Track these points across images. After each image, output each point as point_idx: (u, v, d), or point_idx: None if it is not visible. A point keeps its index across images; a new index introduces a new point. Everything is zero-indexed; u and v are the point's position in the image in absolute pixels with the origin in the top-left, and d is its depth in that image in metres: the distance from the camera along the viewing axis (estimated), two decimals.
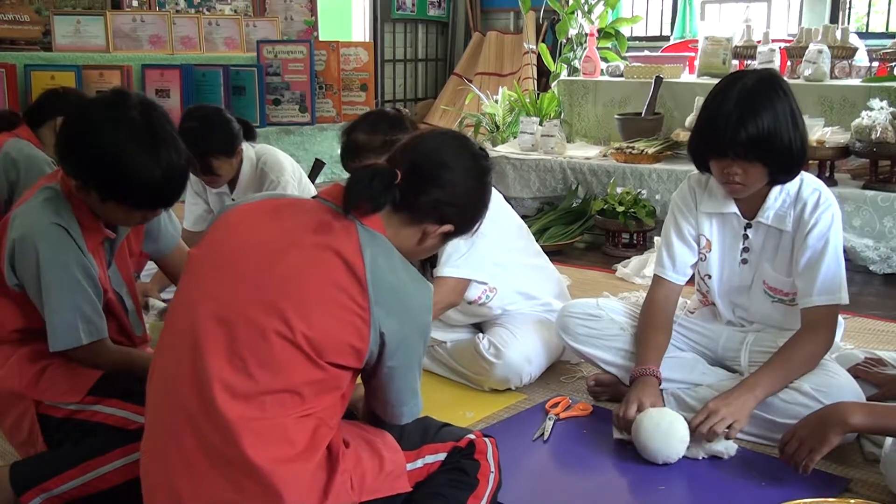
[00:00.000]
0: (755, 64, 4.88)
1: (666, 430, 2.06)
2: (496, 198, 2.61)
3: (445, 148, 1.58)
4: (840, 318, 2.29)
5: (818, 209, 2.17)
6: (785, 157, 2.08)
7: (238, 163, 3.10)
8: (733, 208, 2.26)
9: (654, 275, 2.39)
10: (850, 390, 2.10)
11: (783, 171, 2.14)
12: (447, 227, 1.58)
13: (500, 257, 2.52)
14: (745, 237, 2.27)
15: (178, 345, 1.44)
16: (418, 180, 1.53)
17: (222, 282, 1.44)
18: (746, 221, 2.26)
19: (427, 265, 2.53)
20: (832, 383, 2.10)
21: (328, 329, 1.41)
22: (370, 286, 1.42)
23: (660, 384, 2.20)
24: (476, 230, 1.67)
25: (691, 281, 2.49)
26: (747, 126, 2.02)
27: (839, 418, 1.86)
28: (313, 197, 1.57)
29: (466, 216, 1.62)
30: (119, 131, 1.71)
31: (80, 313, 1.79)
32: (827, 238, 2.16)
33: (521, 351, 2.52)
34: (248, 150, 3.16)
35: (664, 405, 2.18)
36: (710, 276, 2.34)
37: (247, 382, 1.39)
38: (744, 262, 2.29)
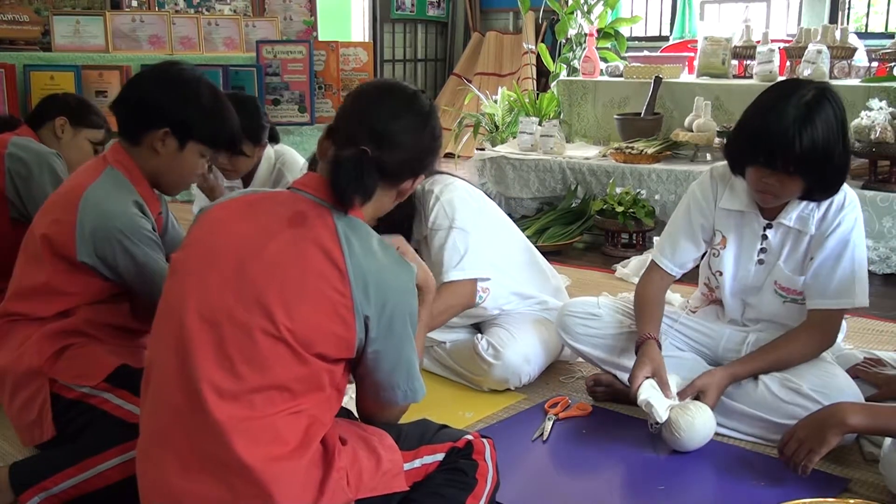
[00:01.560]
0: (754, 64, 4.88)
1: (702, 424, 2.10)
2: (478, 194, 2.62)
3: (397, 108, 1.58)
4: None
5: (843, 210, 2.16)
6: (828, 177, 2.07)
7: (258, 158, 3.12)
8: (754, 208, 2.24)
9: (652, 260, 2.39)
10: (849, 391, 2.10)
11: (820, 191, 2.12)
12: (420, 178, 1.65)
13: (492, 256, 2.52)
14: (764, 237, 2.25)
15: (166, 348, 1.45)
16: (386, 150, 1.54)
17: (205, 283, 1.44)
18: (767, 222, 2.24)
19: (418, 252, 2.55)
20: (832, 384, 2.11)
21: (313, 321, 1.42)
22: (350, 273, 1.43)
23: (660, 348, 2.23)
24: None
25: (694, 281, 2.50)
26: (803, 144, 1.98)
27: (838, 419, 1.86)
28: (288, 187, 1.57)
29: (431, 160, 1.67)
30: (188, 83, 1.99)
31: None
32: (847, 240, 2.15)
33: (519, 351, 2.52)
34: (267, 150, 3.19)
35: (666, 369, 2.20)
36: (721, 273, 2.32)
37: (235, 382, 1.39)
38: (760, 262, 2.27)
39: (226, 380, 1.39)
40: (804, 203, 2.17)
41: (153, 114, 1.94)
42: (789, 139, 1.98)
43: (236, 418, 1.38)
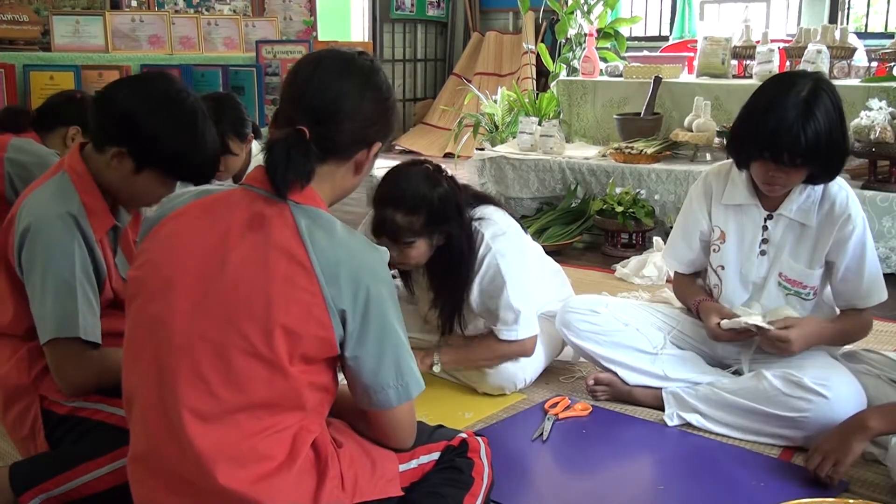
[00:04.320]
0: (754, 64, 4.88)
1: None
2: (522, 237, 2.53)
3: (331, 77, 1.46)
4: None
5: (849, 209, 2.19)
6: (832, 164, 2.12)
7: (246, 156, 3.11)
8: (754, 199, 2.28)
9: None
10: (850, 384, 2.13)
11: (825, 175, 2.16)
12: (376, 147, 1.51)
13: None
14: (765, 228, 2.28)
15: (145, 379, 1.40)
16: (326, 125, 1.43)
17: (171, 309, 1.38)
18: (767, 213, 2.28)
19: (455, 322, 2.49)
20: (833, 377, 2.13)
21: (288, 330, 1.35)
22: (317, 269, 1.36)
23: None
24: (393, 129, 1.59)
25: None
26: (808, 138, 2.02)
27: (859, 425, 1.90)
28: (240, 184, 1.49)
29: (385, 126, 1.53)
30: (168, 105, 1.79)
31: (82, 307, 1.77)
32: (864, 241, 2.21)
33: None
34: (257, 151, 3.18)
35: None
36: (723, 268, 2.35)
37: (215, 404, 1.35)
38: (762, 253, 2.30)
39: (206, 403, 1.34)
40: (804, 194, 2.22)
41: (115, 128, 1.78)
42: (794, 136, 2.03)
43: (220, 444, 1.34)
